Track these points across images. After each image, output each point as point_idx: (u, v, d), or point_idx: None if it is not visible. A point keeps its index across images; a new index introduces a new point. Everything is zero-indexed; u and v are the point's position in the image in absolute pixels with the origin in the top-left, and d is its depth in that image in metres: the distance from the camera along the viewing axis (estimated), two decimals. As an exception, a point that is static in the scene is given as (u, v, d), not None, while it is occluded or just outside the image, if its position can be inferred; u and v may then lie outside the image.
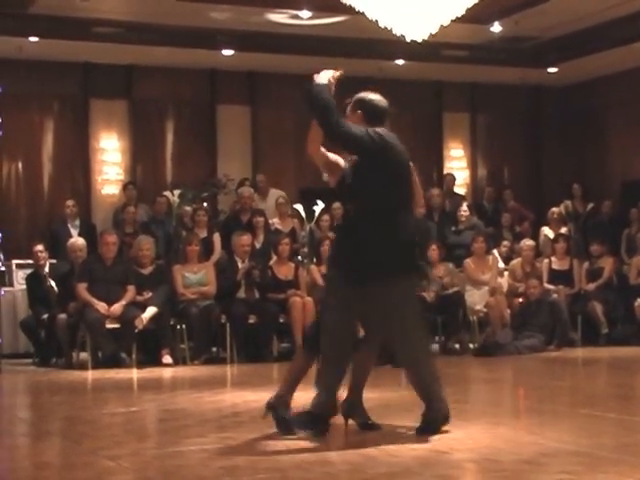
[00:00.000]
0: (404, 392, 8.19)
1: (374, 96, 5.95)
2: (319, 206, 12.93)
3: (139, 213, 13.48)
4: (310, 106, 5.63)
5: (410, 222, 5.75)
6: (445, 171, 16.60)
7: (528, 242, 13.15)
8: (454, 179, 16.01)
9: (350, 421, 5.95)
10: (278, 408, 5.85)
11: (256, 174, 15.02)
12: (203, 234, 12.21)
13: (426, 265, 5.93)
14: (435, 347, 12.16)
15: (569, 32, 14.32)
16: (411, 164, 5.92)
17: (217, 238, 12.35)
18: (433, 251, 12.31)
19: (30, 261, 12.05)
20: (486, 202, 15.94)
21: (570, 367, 10.80)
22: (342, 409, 5.91)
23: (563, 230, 14.13)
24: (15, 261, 12.55)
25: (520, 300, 12.33)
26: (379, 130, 5.72)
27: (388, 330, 5.76)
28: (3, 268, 11.86)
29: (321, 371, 5.82)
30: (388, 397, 7.42)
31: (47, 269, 11.73)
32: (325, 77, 5.66)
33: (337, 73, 5.70)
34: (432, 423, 5.69)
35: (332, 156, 5.95)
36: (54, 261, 12.02)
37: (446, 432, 5.69)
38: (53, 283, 11.52)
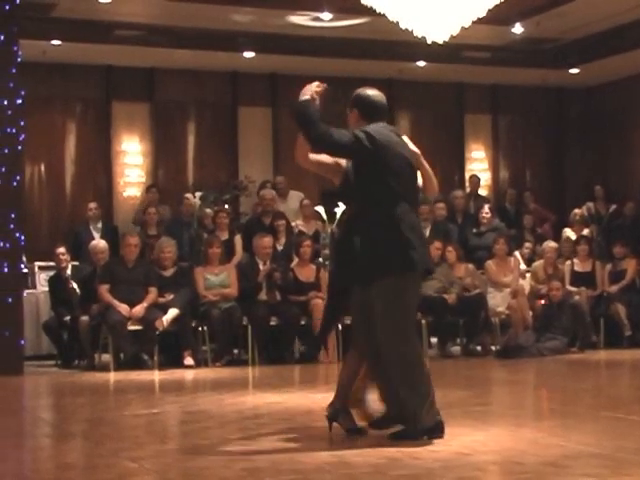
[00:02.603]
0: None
1: (369, 92, 5.84)
2: (340, 208, 12.91)
3: (162, 214, 13.47)
4: (296, 121, 5.67)
5: (407, 220, 5.60)
6: (467, 173, 16.58)
7: (550, 244, 13.11)
8: (479, 181, 15.99)
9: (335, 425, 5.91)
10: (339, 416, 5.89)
11: (277, 176, 15.05)
12: (224, 236, 12.23)
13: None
14: (457, 349, 12.16)
15: (591, 33, 14.28)
16: (416, 150, 5.84)
17: (238, 240, 12.37)
18: (449, 252, 12.29)
19: (52, 263, 12.09)
20: (508, 204, 15.90)
21: (593, 369, 10.75)
22: (327, 413, 5.89)
23: (585, 232, 14.08)
24: (38, 263, 12.60)
25: (542, 302, 12.28)
26: (370, 130, 5.63)
27: (372, 331, 5.67)
28: (26, 270, 11.91)
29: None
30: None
31: (69, 271, 11.77)
32: (308, 92, 5.65)
33: (320, 87, 5.68)
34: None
35: (327, 158, 5.87)
36: (76, 263, 12.06)
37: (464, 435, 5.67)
38: (75, 285, 11.57)
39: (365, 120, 5.75)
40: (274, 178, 14.90)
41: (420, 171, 5.85)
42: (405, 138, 5.89)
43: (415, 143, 5.93)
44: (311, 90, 5.67)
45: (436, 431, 5.55)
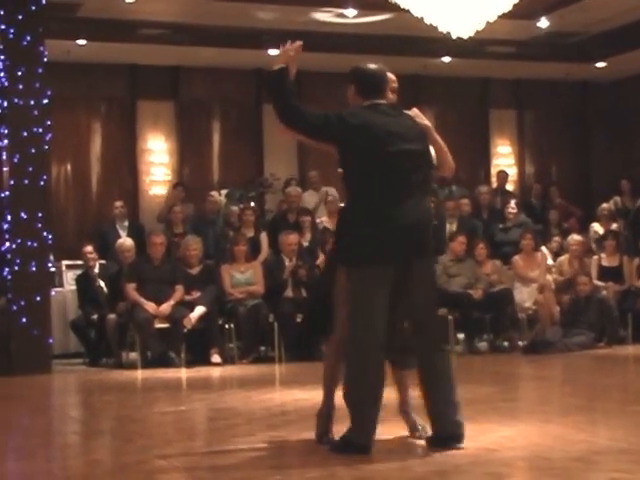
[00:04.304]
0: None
1: (366, 66, 5.43)
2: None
3: (186, 213, 13.50)
4: (268, 93, 5.34)
5: (370, 208, 5.20)
6: (492, 168, 16.55)
7: (575, 237, 13.05)
8: (507, 176, 15.94)
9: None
10: None
11: (302, 173, 15.06)
12: (250, 233, 12.25)
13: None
14: (484, 345, 12.13)
15: (616, 26, 14.19)
16: (426, 123, 5.46)
17: (264, 237, 12.38)
18: (481, 249, 12.27)
19: (80, 262, 12.16)
20: (534, 199, 15.86)
21: (620, 364, 10.71)
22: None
23: (613, 226, 14.01)
24: (65, 262, 12.66)
25: (569, 297, 12.21)
26: (345, 112, 5.29)
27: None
28: (53, 269, 11.96)
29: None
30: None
31: (97, 270, 11.82)
32: (283, 58, 5.26)
33: (294, 49, 5.26)
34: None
35: None
36: (103, 262, 12.12)
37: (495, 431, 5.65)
38: (102, 284, 11.62)
39: (361, 97, 5.37)
40: (299, 175, 14.91)
41: (433, 146, 5.48)
42: (413, 112, 5.52)
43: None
44: (286, 55, 5.28)
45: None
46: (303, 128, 5.33)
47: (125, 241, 11.98)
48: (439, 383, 5.25)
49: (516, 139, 16.97)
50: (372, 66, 5.44)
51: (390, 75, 5.53)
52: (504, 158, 16.88)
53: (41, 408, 8.09)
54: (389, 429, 5.76)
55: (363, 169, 5.27)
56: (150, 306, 10.79)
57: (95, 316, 11.43)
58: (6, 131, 10.65)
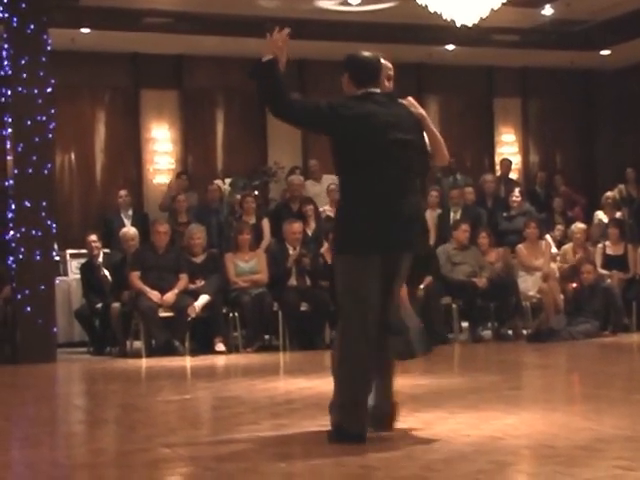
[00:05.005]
0: (457, 379, 8.20)
1: (360, 54, 5.38)
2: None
3: (189, 202, 13.50)
4: (257, 87, 5.24)
5: (364, 195, 5.17)
6: (497, 157, 16.52)
7: (579, 225, 13.04)
8: (510, 164, 15.91)
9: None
10: None
11: (306, 162, 15.03)
12: (252, 221, 12.25)
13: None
14: (488, 333, 12.12)
15: (621, 14, 14.14)
16: (421, 112, 5.42)
17: (266, 224, 12.38)
18: (483, 238, 12.27)
19: (84, 251, 12.16)
20: (538, 187, 15.84)
21: (625, 353, 10.69)
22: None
23: (617, 215, 13.99)
24: (69, 251, 12.67)
25: (574, 285, 12.21)
26: (337, 102, 5.24)
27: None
28: (58, 258, 11.97)
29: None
30: (439, 384, 7.41)
31: (101, 259, 11.83)
32: (270, 49, 5.19)
33: (282, 39, 5.24)
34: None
35: None
36: (107, 250, 12.12)
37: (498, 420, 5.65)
38: (107, 272, 11.62)
39: (355, 85, 5.31)
40: (303, 164, 14.89)
41: (427, 136, 5.42)
42: (408, 100, 5.46)
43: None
44: (274, 45, 5.21)
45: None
46: (293, 120, 5.34)
47: (129, 230, 11.98)
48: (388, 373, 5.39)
49: (520, 127, 16.95)
50: (366, 54, 5.39)
51: (385, 62, 5.47)
52: (508, 146, 16.86)
53: (46, 397, 8.10)
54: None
55: (355, 160, 5.23)
56: (154, 295, 10.80)
57: (99, 305, 11.44)
58: (10, 120, 10.65)
